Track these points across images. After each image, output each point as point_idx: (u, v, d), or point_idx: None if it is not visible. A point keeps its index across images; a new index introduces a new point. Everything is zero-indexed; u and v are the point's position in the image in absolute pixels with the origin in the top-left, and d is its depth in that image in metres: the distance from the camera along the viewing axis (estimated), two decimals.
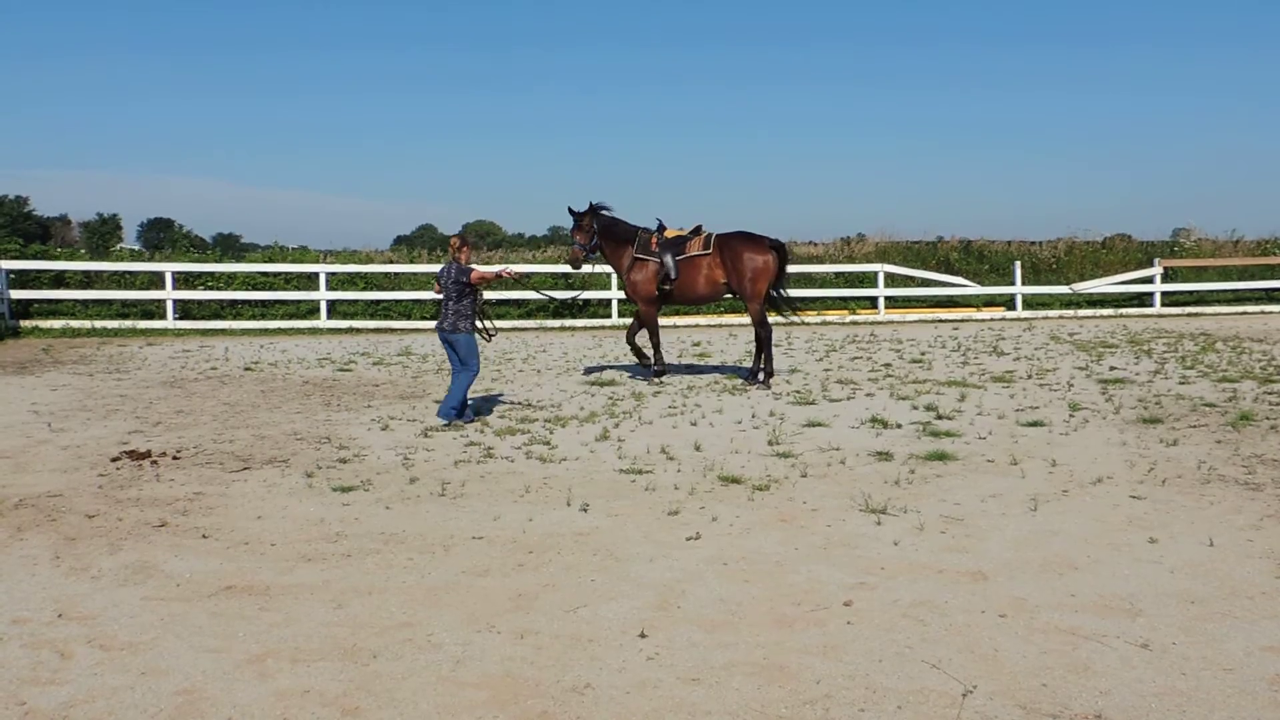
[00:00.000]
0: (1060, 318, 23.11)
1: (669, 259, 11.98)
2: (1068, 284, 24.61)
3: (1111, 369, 12.94)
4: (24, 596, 4.73)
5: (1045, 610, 4.46)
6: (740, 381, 12.19)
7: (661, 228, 12.32)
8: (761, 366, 12.08)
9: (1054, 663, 3.92)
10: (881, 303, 23.61)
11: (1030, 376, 12.35)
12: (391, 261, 25.37)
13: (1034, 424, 8.99)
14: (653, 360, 12.40)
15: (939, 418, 9.37)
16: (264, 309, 21.47)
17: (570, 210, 12.21)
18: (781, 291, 12.58)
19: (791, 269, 25.25)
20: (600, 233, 12.05)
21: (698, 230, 12.32)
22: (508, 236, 74.90)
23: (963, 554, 5.29)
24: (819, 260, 27.22)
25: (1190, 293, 24.72)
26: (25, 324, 19.79)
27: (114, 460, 7.77)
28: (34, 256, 21.56)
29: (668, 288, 12.05)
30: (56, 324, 19.78)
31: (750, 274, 12.03)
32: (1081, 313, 23.65)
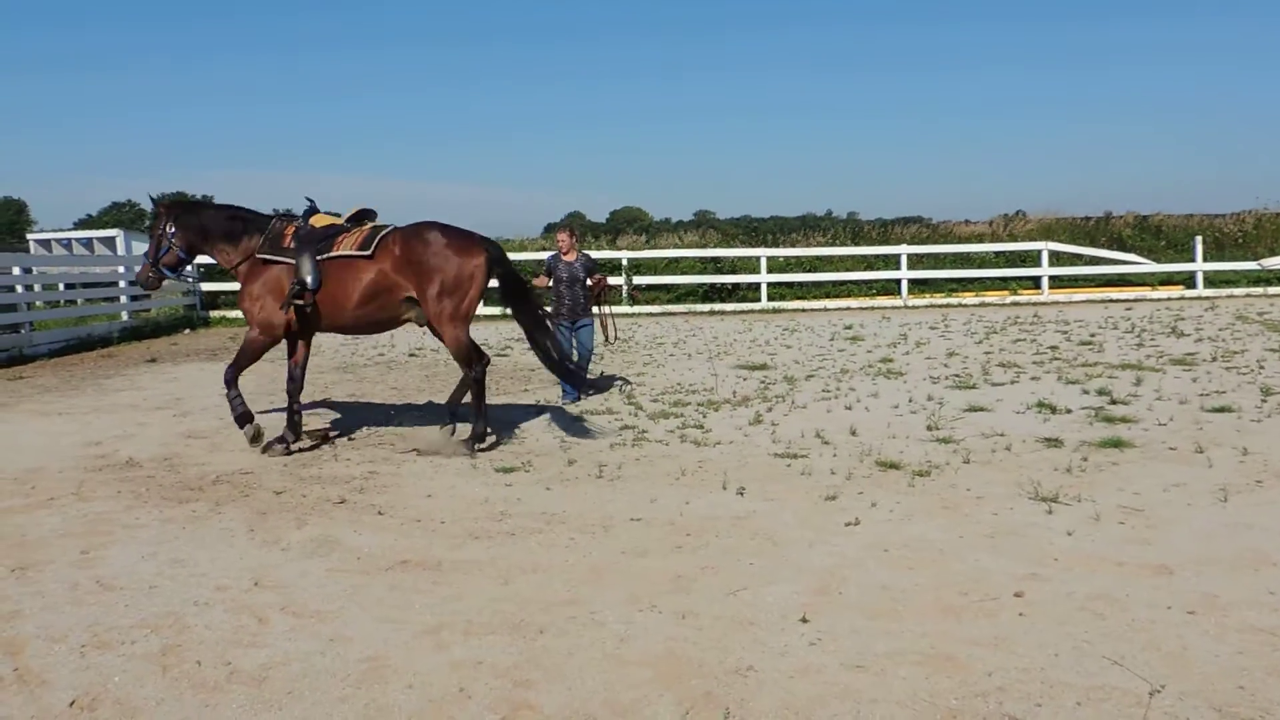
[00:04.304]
0: (1247, 296, 21.44)
1: (306, 260, 7.62)
2: (1255, 259, 22.82)
3: None
4: (225, 565, 5.12)
5: (1239, 608, 4.16)
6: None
7: (310, 212, 8.01)
8: (475, 420, 7.80)
9: (1251, 664, 3.65)
10: (1045, 282, 22.53)
11: (1215, 359, 11.51)
12: (544, 250, 26.04)
13: (1221, 410, 8.38)
14: (248, 430, 7.94)
15: (1113, 403, 8.87)
16: None
17: (153, 202, 8.10)
18: (529, 313, 7.99)
19: (949, 249, 24.56)
20: (198, 231, 7.87)
21: (361, 219, 7.98)
22: (654, 222, 75.39)
23: (1144, 546, 5.00)
24: (978, 239, 26.25)
25: None
26: (214, 314, 21.41)
27: None
28: None
29: (302, 303, 7.67)
30: (240, 314, 21.26)
31: (446, 282, 7.49)
32: (1271, 290, 21.88)
